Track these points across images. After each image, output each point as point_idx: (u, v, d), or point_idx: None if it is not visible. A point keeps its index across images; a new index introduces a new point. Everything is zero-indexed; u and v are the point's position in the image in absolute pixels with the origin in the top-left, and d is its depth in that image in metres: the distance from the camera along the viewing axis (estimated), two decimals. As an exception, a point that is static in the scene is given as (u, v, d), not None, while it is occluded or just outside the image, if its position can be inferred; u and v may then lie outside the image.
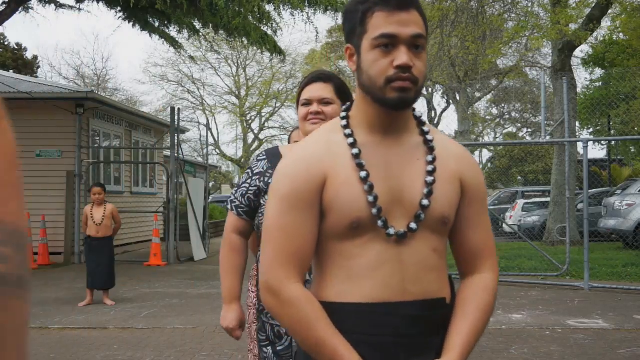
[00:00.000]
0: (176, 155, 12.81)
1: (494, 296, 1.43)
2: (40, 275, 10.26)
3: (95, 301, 7.67)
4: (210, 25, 11.51)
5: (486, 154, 47.42)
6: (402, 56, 1.28)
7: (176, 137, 12.88)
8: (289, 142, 2.69)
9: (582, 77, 42.16)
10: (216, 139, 37.32)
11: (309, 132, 2.11)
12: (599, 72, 25.34)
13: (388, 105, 1.32)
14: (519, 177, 40.02)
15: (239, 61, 36.05)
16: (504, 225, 18.03)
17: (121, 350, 5.47)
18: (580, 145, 10.47)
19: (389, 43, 1.29)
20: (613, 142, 22.73)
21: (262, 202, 2.20)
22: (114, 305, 7.56)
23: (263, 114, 37.56)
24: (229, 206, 2.30)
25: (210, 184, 30.51)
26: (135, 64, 63.37)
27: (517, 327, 6.25)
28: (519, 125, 40.42)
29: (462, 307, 1.39)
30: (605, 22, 16.10)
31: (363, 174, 1.32)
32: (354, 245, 1.33)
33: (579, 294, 8.18)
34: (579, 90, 19.60)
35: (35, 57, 32.45)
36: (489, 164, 45.60)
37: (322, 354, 1.28)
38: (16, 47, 30.47)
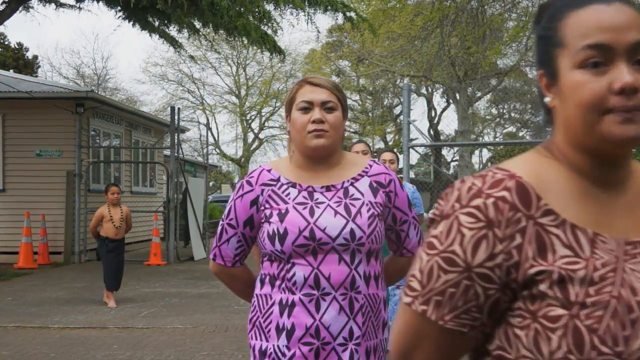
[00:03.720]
0: (176, 154, 12.81)
1: None
2: (40, 274, 10.27)
3: (95, 301, 7.67)
4: (210, 25, 11.50)
5: (486, 154, 47.48)
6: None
7: (176, 137, 12.89)
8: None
9: (582, 77, 42.09)
10: (216, 138, 37.32)
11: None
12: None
13: None
14: (519, 177, 40.03)
15: (238, 61, 36.05)
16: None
17: (121, 349, 5.47)
18: (580, 145, 10.46)
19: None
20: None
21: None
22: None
23: (263, 114, 37.56)
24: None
25: (210, 184, 30.50)
26: (135, 63, 63.40)
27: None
28: (519, 125, 40.44)
29: None
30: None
31: None
32: None
33: (578, 294, 8.17)
34: (579, 90, 19.59)
35: (35, 57, 32.47)
36: (489, 164, 45.62)
37: None
38: (17, 47, 30.47)
